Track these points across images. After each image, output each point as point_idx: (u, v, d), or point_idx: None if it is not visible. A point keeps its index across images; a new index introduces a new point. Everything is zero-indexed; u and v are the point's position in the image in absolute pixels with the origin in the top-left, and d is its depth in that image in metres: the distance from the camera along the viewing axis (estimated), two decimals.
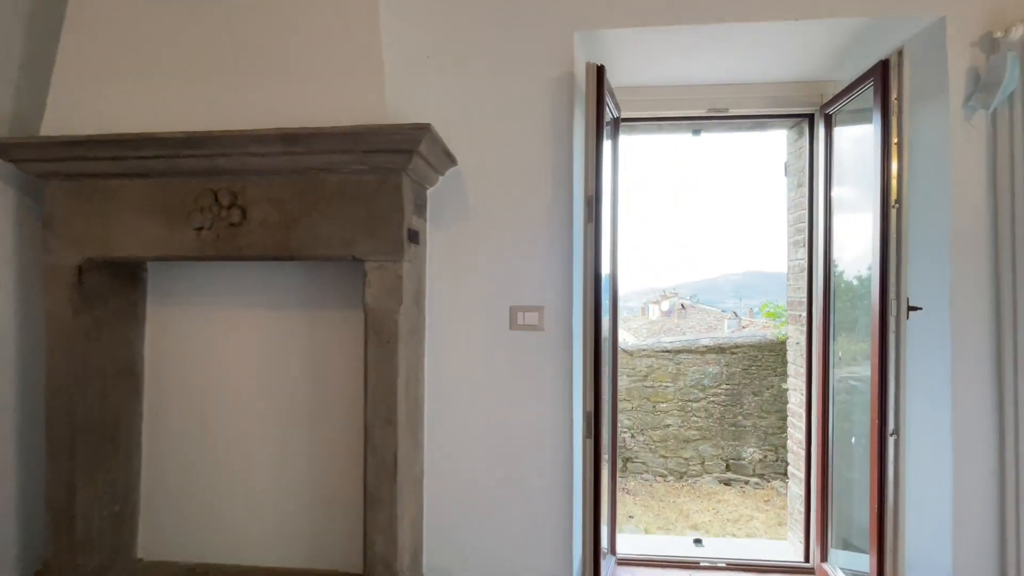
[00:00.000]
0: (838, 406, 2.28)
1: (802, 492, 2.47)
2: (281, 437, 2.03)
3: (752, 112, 2.41)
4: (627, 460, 6.52)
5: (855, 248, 2.14)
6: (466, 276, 2.00)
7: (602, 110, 1.82)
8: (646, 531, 5.25)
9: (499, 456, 1.97)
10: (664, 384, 6.68)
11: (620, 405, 6.73)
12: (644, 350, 6.75)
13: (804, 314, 2.47)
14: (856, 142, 2.17)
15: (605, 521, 2.00)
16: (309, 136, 1.62)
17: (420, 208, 1.91)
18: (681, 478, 6.59)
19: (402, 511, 1.74)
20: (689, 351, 6.89)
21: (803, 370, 2.48)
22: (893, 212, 1.78)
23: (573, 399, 1.93)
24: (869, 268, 1.90)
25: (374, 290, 1.71)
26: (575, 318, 1.94)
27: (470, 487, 1.98)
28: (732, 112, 2.39)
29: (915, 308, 1.77)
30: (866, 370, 1.93)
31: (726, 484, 6.46)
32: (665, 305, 22.89)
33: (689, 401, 6.68)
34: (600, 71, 1.83)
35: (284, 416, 2.03)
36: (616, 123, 2.27)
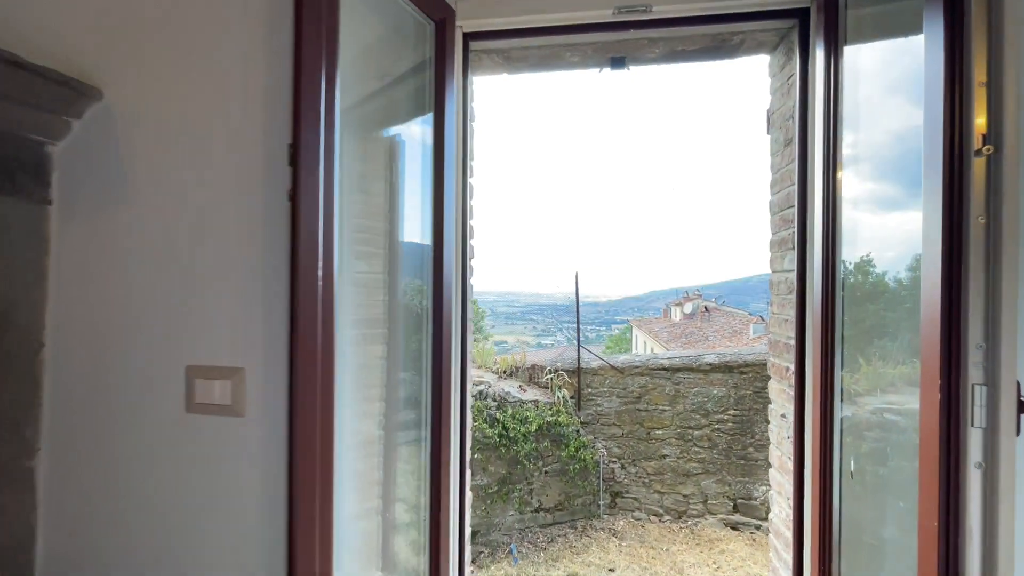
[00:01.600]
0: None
1: None
2: None
3: (695, 11, 1.33)
4: (616, 495, 5.81)
5: (893, 239, 1.09)
6: (113, 306, 1.06)
7: None
8: None
9: None
10: (660, 407, 6.06)
11: (608, 431, 6.07)
12: (636, 367, 5.97)
13: (793, 366, 1.40)
14: (886, 65, 1.11)
15: None
16: None
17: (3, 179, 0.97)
18: (679, 518, 5.85)
19: None
20: (690, 369, 6.24)
21: (790, 461, 1.42)
22: (977, 168, 0.72)
23: None
24: (916, 260, 0.84)
25: None
26: None
27: None
28: (659, 14, 1.33)
29: None
30: (911, 401, 0.86)
31: (733, 528, 5.60)
32: (688, 307, 21.94)
33: (690, 428, 6.04)
34: None
35: None
36: (441, 28, 1.27)
